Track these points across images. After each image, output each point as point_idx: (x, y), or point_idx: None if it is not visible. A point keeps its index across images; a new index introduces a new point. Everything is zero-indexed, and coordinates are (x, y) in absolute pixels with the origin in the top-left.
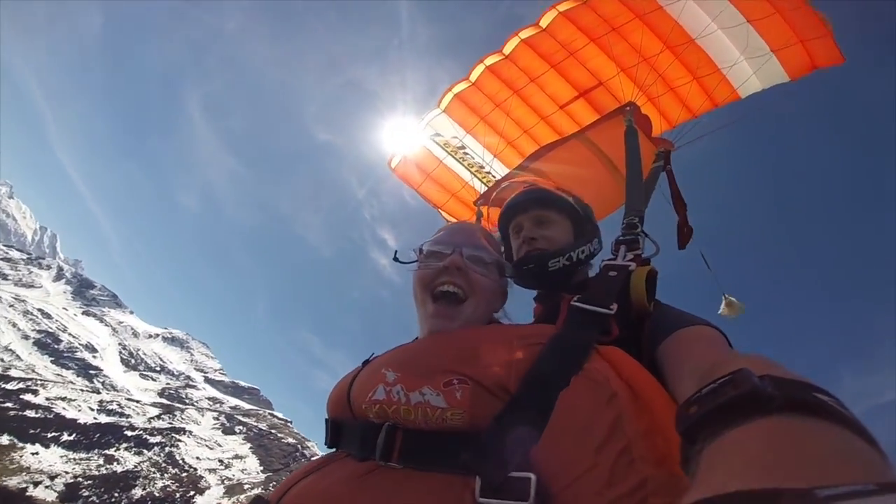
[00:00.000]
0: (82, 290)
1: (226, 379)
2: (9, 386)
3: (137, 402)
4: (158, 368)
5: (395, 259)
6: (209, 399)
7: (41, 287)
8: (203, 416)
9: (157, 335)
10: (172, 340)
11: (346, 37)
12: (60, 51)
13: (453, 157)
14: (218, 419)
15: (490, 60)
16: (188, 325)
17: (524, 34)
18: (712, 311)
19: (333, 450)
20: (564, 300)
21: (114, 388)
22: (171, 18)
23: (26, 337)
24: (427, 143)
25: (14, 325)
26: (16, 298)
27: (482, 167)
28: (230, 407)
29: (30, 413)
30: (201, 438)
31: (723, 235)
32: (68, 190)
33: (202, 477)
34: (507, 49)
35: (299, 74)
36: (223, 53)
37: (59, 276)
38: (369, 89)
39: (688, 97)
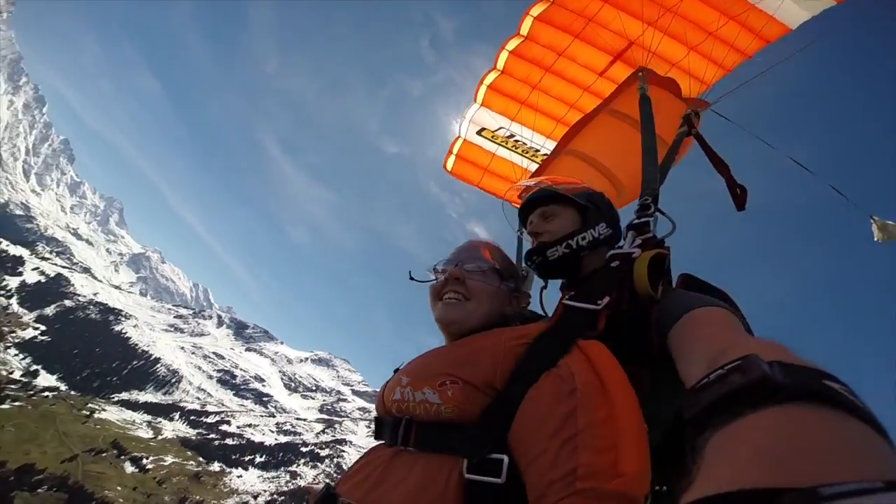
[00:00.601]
0: (240, 330)
1: (369, 389)
2: (209, 420)
3: (304, 420)
4: (314, 388)
5: (411, 278)
6: (359, 409)
7: (210, 334)
8: (357, 425)
9: (307, 358)
10: (319, 361)
11: (380, 48)
12: (141, 118)
13: (504, 146)
14: (370, 427)
15: (512, 45)
16: (327, 344)
17: (535, 11)
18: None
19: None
20: (563, 294)
21: (284, 410)
22: (217, 71)
23: (210, 377)
24: (475, 139)
25: (199, 368)
26: (195, 346)
27: (537, 150)
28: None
29: (229, 441)
30: (360, 447)
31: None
32: (200, 244)
33: None
34: (524, 30)
35: (349, 95)
36: (275, 93)
37: (220, 323)
38: (414, 94)
39: (729, 40)
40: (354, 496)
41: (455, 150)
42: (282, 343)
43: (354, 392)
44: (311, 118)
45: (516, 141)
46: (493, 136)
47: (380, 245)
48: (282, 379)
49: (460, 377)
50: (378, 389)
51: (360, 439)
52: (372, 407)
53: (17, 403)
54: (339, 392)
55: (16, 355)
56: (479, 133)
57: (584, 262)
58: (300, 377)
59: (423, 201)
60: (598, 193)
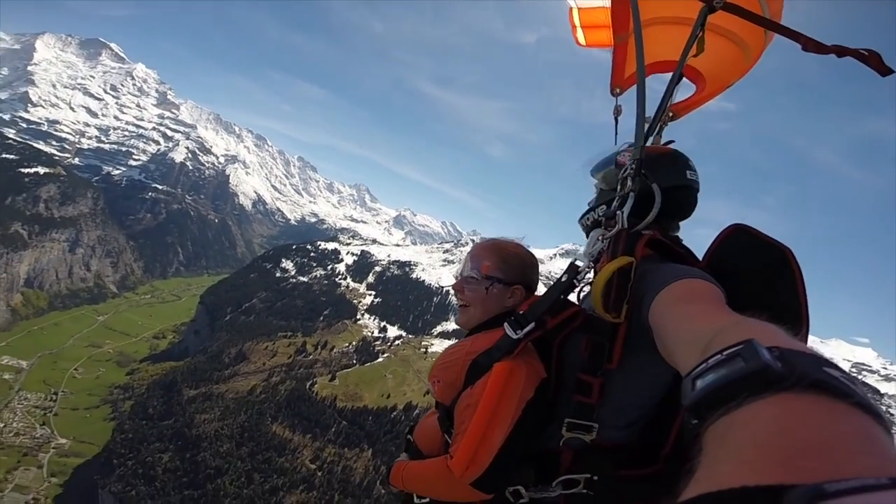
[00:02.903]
0: None
1: None
2: None
3: None
4: None
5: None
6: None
7: None
8: None
9: (555, 254)
10: (566, 253)
11: None
12: (331, 117)
13: None
14: None
15: None
16: (568, 236)
17: None
18: None
19: None
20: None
21: None
22: (343, 56)
23: None
24: (586, 2)
25: None
26: None
27: None
28: None
29: None
30: None
31: None
32: (430, 190)
33: None
34: None
35: (458, 11)
36: (397, 45)
37: None
38: None
39: None
40: (417, 428)
41: (576, 21)
42: (530, 246)
43: None
44: (440, 48)
45: None
46: None
47: (576, 128)
48: (542, 280)
49: (442, 379)
50: None
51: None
52: None
53: (384, 355)
54: None
55: (369, 318)
56: None
57: None
58: (556, 273)
59: (595, 71)
60: (617, 167)
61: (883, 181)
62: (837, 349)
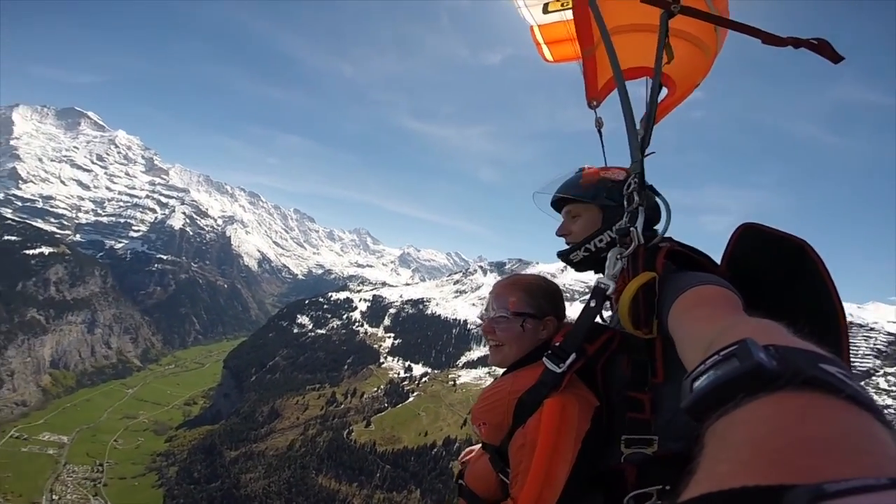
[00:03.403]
0: (501, 269)
1: None
2: None
3: None
4: (586, 290)
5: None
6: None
7: (483, 284)
8: None
9: (564, 268)
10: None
11: None
12: (314, 166)
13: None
14: None
15: None
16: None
17: None
18: None
19: None
20: None
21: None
22: (319, 103)
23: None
24: (546, 19)
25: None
26: (479, 299)
27: None
28: None
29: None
30: None
31: None
32: (430, 224)
33: None
34: None
35: (422, 44)
36: (369, 87)
37: (484, 272)
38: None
39: None
40: (467, 472)
41: (539, 39)
42: (537, 263)
43: None
44: (413, 81)
45: None
46: (563, 5)
47: (556, 140)
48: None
49: (487, 421)
50: None
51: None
52: None
53: (414, 394)
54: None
55: (393, 360)
56: (545, 12)
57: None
58: (569, 285)
59: (564, 82)
60: (618, 184)
61: (862, 144)
62: (876, 312)
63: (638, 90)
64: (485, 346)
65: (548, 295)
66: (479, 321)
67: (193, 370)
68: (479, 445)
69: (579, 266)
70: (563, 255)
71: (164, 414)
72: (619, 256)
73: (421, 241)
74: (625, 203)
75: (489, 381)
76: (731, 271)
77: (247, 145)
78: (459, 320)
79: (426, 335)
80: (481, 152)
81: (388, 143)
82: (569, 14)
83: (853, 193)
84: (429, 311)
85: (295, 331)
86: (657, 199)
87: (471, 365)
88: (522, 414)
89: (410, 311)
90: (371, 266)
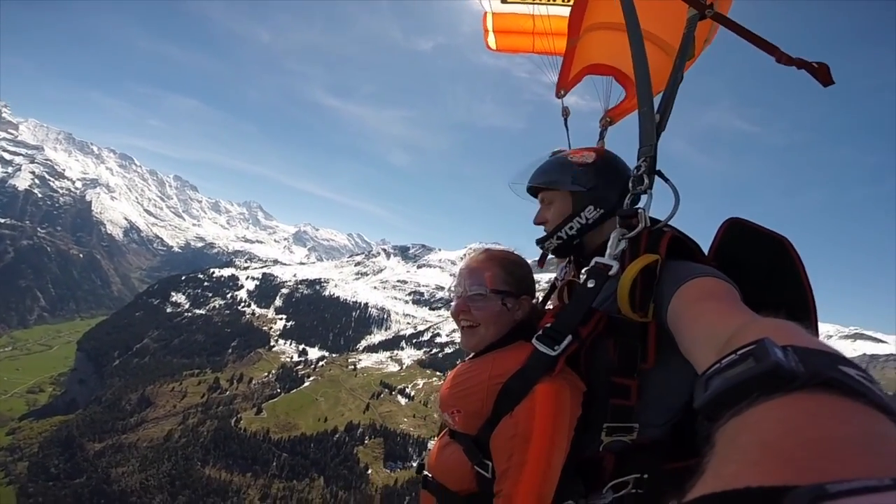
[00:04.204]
0: (404, 253)
1: (530, 261)
2: (425, 337)
3: None
4: None
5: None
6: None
7: (386, 267)
8: (537, 297)
9: (465, 255)
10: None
11: None
12: (207, 131)
13: (540, 3)
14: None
15: None
16: (474, 236)
17: None
18: None
19: None
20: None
21: None
22: (226, 67)
23: (406, 301)
24: (503, 8)
25: (395, 297)
26: (381, 282)
27: None
28: (546, 282)
29: (447, 350)
30: None
31: None
32: (331, 203)
33: None
34: None
35: (354, 20)
36: (287, 55)
37: (387, 255)
38: None
39: None
40: (430, 462)
41: (489, 26)
42: (440, 250)
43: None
44: (336, 57)
45: None
46: None
47: (470, 132)
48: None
49: (462, 409)
50: (532, 260)
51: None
52: (538, 276)
53: (311, 379)
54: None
55: (285, 343)
56: (504, 1)
57: (587, 242)
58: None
59: (486, 77)
60: (586, 167)
61: (724, 165)
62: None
63: (591, 89)
64: (386, 330)
65: (524, 271)
66: (382, 305)
67: (37, 353)
68: (444, 432)
69: (556, 253)
70: (538, 243)
71: (2, 403)
72: (621, 237)
73: (320, 220)
74: (631, 185)
75: (392, 365)
76: (717, 262)
77: (127, 104)
78: (360, 303)
79: (323, 318)
80: (396, 136)
81: (296, 117)
82: (526, 8)
83: (712, 208)
84: (326, 293)
85: (168, 310)
86: (667, 185)
87: (372, 349)
88: (508, 401)
89: (306, 291)
90: (261, 242)
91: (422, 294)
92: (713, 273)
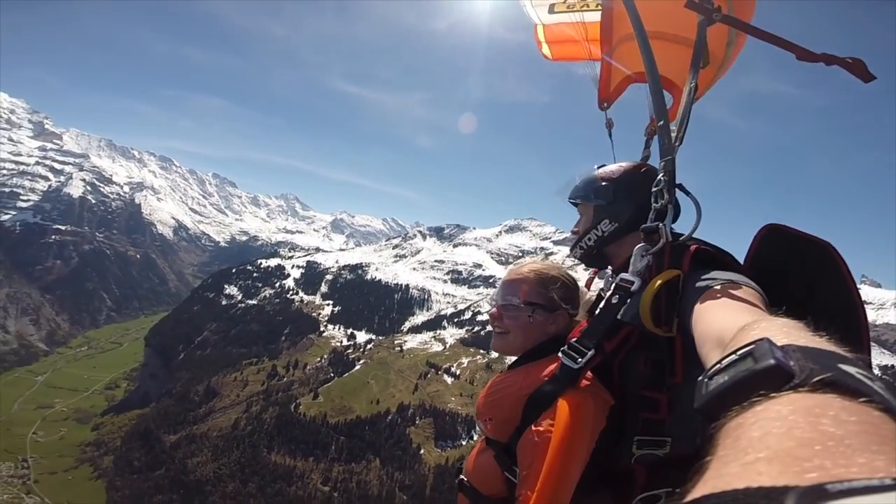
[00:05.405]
0: (440, 233)
1: (566, 234)
2: (466, 316)
3: None
4: (520, 253)
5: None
6: (568, 256)
7: (423, 249)
8: (576, 272)
9: (500, 232)
10: (511, 229)
11: None
12: (238, 129)
13: (588, 10)
14: (587, 270)
15: None
16: (509, 213)
17: None
18: None
19: None
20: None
21: None
22: (245, 64)
23: (445, 281)
24: (551, 19)
25: (434, 278)
26: (420, 263)
27: None
28: None
29: (489, 327)
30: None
31: None
32: (367, 190)
33: None
34: None
35: (366, 4)
36: (304, 47)
37: (423, 236)
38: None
39: None
40: (467, 467)
41: (541, 37)
42: (474, 228)
43: (555, 243)
44: (350, 45)
45: None
46: (567, 7)
47: (492, 108)
48: (493, 258)
49: (494, 417)
50: (570, 233)
51: (584, 281)
52: None
53: (361, 362)
54: (542, 248)
55: (334, 328)
56: (551, 12)
57: (609, 254)
58: (504, 250)
59: (505, 53)
60: (609, 182)
61: (762, 128)
62: None
63: (638, 96)
64: (428, 310)
65: (563, 288)
66: (422, 285)
67: (110, 351)
68: (482, 439)
69: (584, 262)
70: (570, 251)
71: (83, 400)
72: (644, 253)
73: (354, 207)
74: (652, 200)
75: (436, 345)
76: (755, 270)
77: (157, 108)
78: (401, 285)
79: (367, 301)
80: (420, 119)
81: (320, 107)
82: (574, 17)
83: (751, 171)
84: (368, 277)
85: (223, 302)
86: (689, 198)
87: (416, 330)
88: (534, 410)
89: (349, 276)
90: (301, 232)
91: (460, 273)
92: (736, 279)
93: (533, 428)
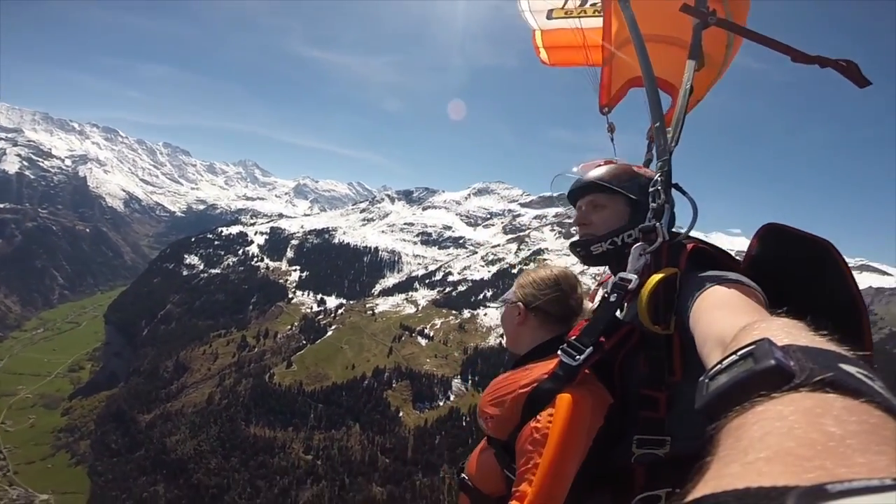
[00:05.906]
0: (408, 196)
1: (533, 197)
2: (437, 277)
3: (498, 245)
4: (488, 216)
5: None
6: (534, 219)
7: (392, 212)
8: (542, 232)
9: (469, 195)
10: (479, 192)
11: None
12: (188, 95)
13: (586, 16)
14: (553, 230)
15: None
16: (477, 175)
17: None
18: None
19: None
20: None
21: (479, 244)
22: (197, 27)
23: (415, 243)
24: (549, 24)
25: (404, 240)
26: (389, 226)
27: None
28: (553, 216)
29: (460, 287)
30: (555, 250)
31: None
32: (330, 154)
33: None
34: None
35: None
36: (262, 12)
37: (391, 200)
38: None
39: None
40: (468, 466)
41: (539, 43)
42: (443, 191)
43: (522, 205)
44: (309, 7)
45: (594, 5)
46: (567, 13)
47: (463, 73)
48: (462, 220)
49: (494, 416)
50: (537, 196)
51: (551, 243)
52: (544, 212)
53: (333, 328)
54: (510, 211)
55: (303, 294)
56: (549, 18)
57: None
58: (473, 212)
59: (473, 14)
60: (647, 180)
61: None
62: (718, 242)
63: (638, 98)
64: (398, 272)
65: (562, 295)
66: (392, 248)
67: (68, 331)
68: (484, 439)
69: (598, 259)
70: (581, 246)
71: (48, 385)
72: (642, 252)
73: (319, 173)
74: (650, 200)
75: (408, 307)
76: (753, 270)
77: (98, 79)
78: (370, 248)
79: (336, 265)
80: (387, 82)
81: (280, 72)
82: (572, 23)
83: (706, 138)
84: (336, 241)
85: (184, 273)
86: (685, 197)
87: (387, 292)
88: (533, 408)
89: (315, 241)
90: (262, 199)
91: (430, 234)
92: (733, 278)
93: (531, 424)
